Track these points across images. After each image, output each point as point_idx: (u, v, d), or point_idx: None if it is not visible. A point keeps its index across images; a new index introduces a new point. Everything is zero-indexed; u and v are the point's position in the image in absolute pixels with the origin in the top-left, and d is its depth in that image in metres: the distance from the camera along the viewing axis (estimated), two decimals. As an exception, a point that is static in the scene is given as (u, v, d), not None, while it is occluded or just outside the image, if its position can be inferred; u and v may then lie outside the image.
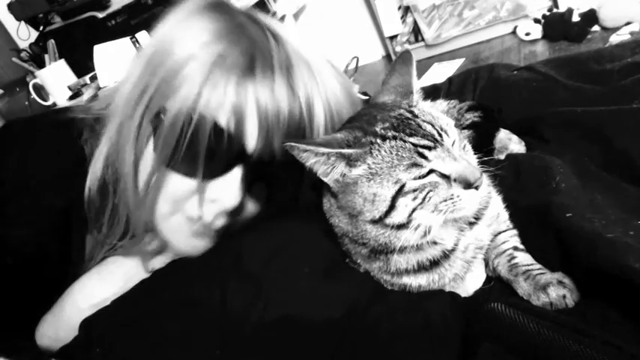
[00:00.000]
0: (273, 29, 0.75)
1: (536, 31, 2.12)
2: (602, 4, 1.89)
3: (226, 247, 0.78)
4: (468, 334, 0.67)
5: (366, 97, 2.09)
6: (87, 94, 1.96)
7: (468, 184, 0.66)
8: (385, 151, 0.67)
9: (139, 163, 0.73)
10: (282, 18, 2.53)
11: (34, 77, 2.17)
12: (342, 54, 2.73)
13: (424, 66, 2.40)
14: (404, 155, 0.66)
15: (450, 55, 2.47)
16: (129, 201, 0.74)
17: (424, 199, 0.66)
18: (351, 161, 0.69)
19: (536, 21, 2.14)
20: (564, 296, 0.68)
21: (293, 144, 0.67)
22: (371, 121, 0.71)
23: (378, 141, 0.67)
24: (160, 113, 0.69)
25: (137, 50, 1.82)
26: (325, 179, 0.71)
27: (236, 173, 0.72)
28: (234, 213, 0.75)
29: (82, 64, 2.13)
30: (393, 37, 2.63)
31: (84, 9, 2.24)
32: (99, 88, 1.96)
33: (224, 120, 0.68)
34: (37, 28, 2.40)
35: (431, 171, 0.66)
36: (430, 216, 0.67)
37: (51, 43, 2.23)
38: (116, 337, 0.68)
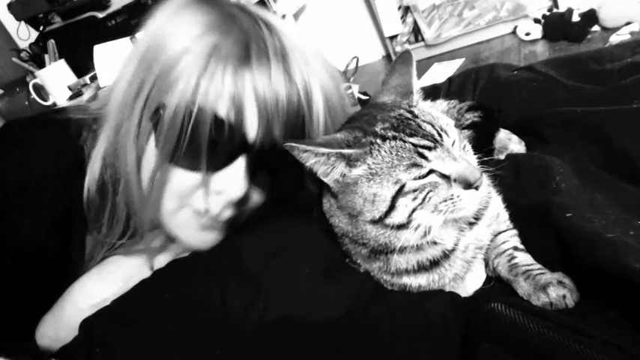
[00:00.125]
0: (265, 18, 0.75)
1: (536, 31, 2.12)
2: (602, 4, 1.89)
3: (226, 247, 0.78)
4: (468, 334, 0.67)
5: (366, 97, 2.09)
6: (87, 94, 1.96)
7: (468, 185, 0.66)
8: (385, 152, 0.67)
9: (141, 161, 0.73)
10: (282, 18, 2.54)
11: (34, 77, 2.17)
12: (342, 54, 2.73)
13: (424, 66, 2.40)
14: (404, 155, 0.66)
15: (450, 55, 2.47)
16: (133, 199, 0.74)
17: (424, 199, 0.66)
18: (351, 161, 0.69)
19: (536, 21, 2.14)
20: (564, 296, 0.68)
21: (293, 144, 0.67)
22: (371, 122, 0.71)
23: (378, 141, 0.67)
24: (159, 109, 0.69)
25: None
26: (325, 179, 0.72)
27: (239, 163, 0.72)
28: (241, 203, 0.75)
29: (82, 64, 2.13)
30: (393, 37, 2.63)
31: (84, 9, 2.24)
32: (99, 88, 1.96)
33: (224, 111, 0.68)
34: (37, 28, 2.40)
35: (431, 171, 0.66)
36: (430, 216, 0.67)
37: (51, 43, 2.22)
38: (116, 337, 0.68)
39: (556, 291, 0.68)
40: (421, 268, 0.75)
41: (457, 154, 0.67)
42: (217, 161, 0.71)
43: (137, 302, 0.72)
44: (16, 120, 0.90)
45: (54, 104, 2.12)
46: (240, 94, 0.68)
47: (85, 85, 2.07)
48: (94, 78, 2.04)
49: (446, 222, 0.71)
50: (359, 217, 0.70)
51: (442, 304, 0.71)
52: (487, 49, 2.33)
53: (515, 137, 1.11)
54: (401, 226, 0.68)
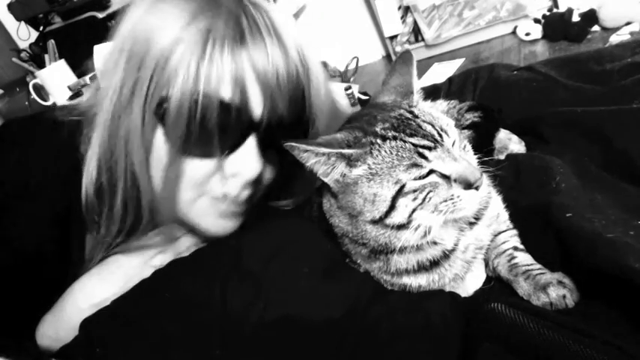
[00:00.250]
0: None
1: (536, 31, 2.12)
2: (602, 4, 1.89)
3: (226, 247, 0.78)
4: (468, 334, 0.67)
5: (366, 97, 2.09)
6: (87, 94, 1.95)
7: (468, 185, 0.66)
8: (385, 152, 0.67)
9: (149, 159, 0.72)
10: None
11: (34, 77, 2.17)
12: (342, 54, 2.73)
13: (424, 66, 2.40)
14: (404, 155, 0.66)
15: (450, 55, 2.46)
16: (147, 197, 0.74)
17: (424, 199, 0.66)
18: (351, 161, 0.69)
19: (536, 21, 2.14)
20: (564, 296, 0.68)
21: (293, 144, 0.68)
22: (371, 122, 0.71)
23: (379, 141, 0.67)
24: (163, 103, 0.68)
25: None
26: (325, 179, 0.72)
27: (250, 143, 0.72)
28: (256, 182, 0.76)
29: (82, 64, 2.13)
30: (393, 37, 2.63)
31: (84, 9, 2.24)
32: (99, 88, 1.95)
33: (228, 93, 0.68)
34: (37, 29, 2.40)
35: (431, 171, 0.66)
36: (430, 216, 0.67)
37: (51, 43, 2.22)
38: (116, 337, 0.68)
39: (556, 291, 0.68)
40: (421, 268, 0.75)
41: (457, 155, 0.67)
42: (228, 144, 0.71)
43: (137, 302, 0.72)
44: (15, 119, 0.90)
45: (54, 104, 2.12)
46: (241, 74, 0.67)
47: (85, 85, 2.07)
48: (94, 78, 2.04)
49: (446, 222, 0.71)
50: (359, 217, 0.70)
51: (442, 304, 0.71)
52: (487, 49, 2.33)
53: (515, 137, 1.11)
54: (401, 227, 0.68)
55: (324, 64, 2.66)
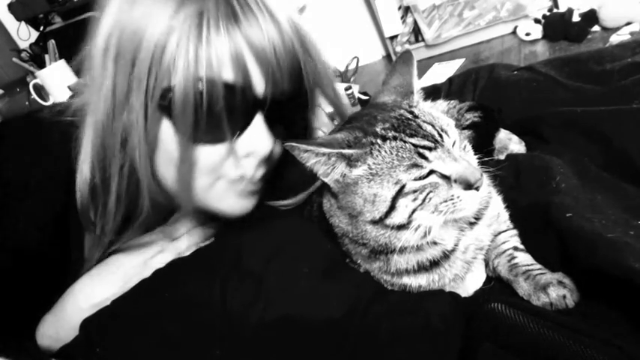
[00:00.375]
0: None
1: (537, 32, 2.12)
2: (603, 4, 1.89)
3: (226, 247, 0.78)
4: (468, 334, 0.67)
5: (366, 97, 2.09)
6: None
7: (468, 185, 0.66)
8: (385, 152, 0.67)
9: (154, 152, 0.72)
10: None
11: (35, 77, 2.17)
12: (342, 54, 2.73)
13: (424, 66, 2.40)
14: (404, 156, 0.66)
15: (450, 55, 2.46)
16: (149, 191, 0.73)
17: (424, 199, 0.66)
18: (351, 162, 0.69)
19: (537, 21, 2.14)
20: (564, 296, 0.68)
21: (294, 144, 0.67)
22: (371, 122, 0.71)
23: (379, 141, 0.67)
24: (167, 94, 0.67)
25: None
26: (325, 179, 0.72)
27: (258, 121, 0.73)
28: (269, 158, 0.77)
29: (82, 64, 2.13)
30: (393, 38, 2.63)
31: (84, 9, 2.24)
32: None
33: (230, 75, 0.67)
34: (37, 29, 2.40)
35: (431, 172, 0.66)
36: (430, 217, 0.67)
37: (51, 43, 2.22)
38: (116, 337, 0.68)
39: (556, 291, 0.68)
40: (421, 268, 0.75)
41: (457, 155, 0.67)
42: (238, 125, 0.71)
43: (137, 302, 0.72)
44: (13, 118, 0.89)
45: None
46: (239, 52, 0.67)
47: (85, 85, 2.06)
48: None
49: (446, 222, 0.71)
50: (359, 217, 0.70)
51: (442, 305, 0.71)
52: (487, 49, 2.32)
53: (515, 137, 1.11)
54: (401, 227, 0.68)
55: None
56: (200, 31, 0.65)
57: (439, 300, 0.73)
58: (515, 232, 0.83)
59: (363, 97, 2.11)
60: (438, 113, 0.73)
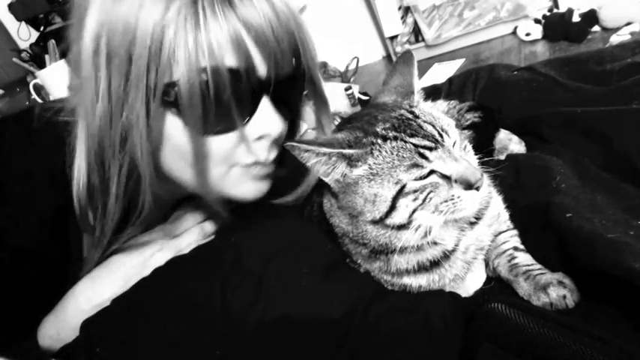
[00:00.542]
0: None
1: (537, 32, 2.12)
2: (603, 5, 1.89)
3: (226, 246, 0.78)
4: (468, 334, 0.67)
5: (367, 98, 2.09)
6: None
7: (468, 185, 0.66)
8: (386, 152, 0.67)
9: (159, 147, 0.71)
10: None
11: (35, 77, 2.17)
12: (343, 54, 2.73)
13: (424, 66, 2.40)
14: (405, 156, 0.66)
15: (450, 55, 2.46)
16: (151, 187, 0.72)
17: (425, 199, 0.66)
18: (352, 161, 0.69)
19: (537, 21, 2.14)
20: (564, 296, 0.68)
21: (294, 144, 0.68)
22: (372, 122, 0.71)
23: (379, 141, 0.68)
24: (171, 89, 0.65)
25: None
26: (326, 179, 0.72)
27: (265, 103, 0.72)
28: (279, 139, 0.77)
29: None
30: (393, 38, 2.63)
31: (84, 9, 2.24)
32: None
33: (232, 60, 0.66)
34: (37, 29, 2.40)
35: (432, 172, 0.66)
36: (431, 217, 0.67)
37: (51, 43, 2.22)
38: (116, 338, 0.68)
39: (556, 291, 0.68)
40: (421, 268, 0.75)
41: (458, 155, 0.67)
42: (247, 111, 0.71)
43: (137, 302, 0.72)
44: (11, 117, 0.88)
45: (54, 104, 2.11)
46: (238, 36, 0.65)
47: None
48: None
49: (446, 222, 0.71)
50: (359, 217, 0.70)
51: (442, 305, 0.71)
52: (487, 49, 2.32)
53: (515, 137, 1.11)
54: (401, 227, 0.68)
55: (324, 65, 2.66)
56: (197, 18, 0.63)
57: (439, 300, 0.73)
58: (515, 232, 0.83)
59: (363, 98, 2.11)
60: (438, 113, 0.73)
